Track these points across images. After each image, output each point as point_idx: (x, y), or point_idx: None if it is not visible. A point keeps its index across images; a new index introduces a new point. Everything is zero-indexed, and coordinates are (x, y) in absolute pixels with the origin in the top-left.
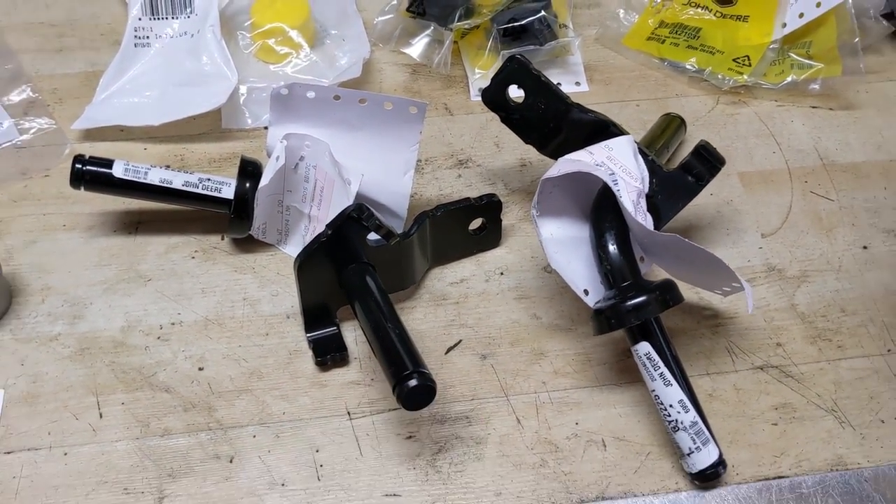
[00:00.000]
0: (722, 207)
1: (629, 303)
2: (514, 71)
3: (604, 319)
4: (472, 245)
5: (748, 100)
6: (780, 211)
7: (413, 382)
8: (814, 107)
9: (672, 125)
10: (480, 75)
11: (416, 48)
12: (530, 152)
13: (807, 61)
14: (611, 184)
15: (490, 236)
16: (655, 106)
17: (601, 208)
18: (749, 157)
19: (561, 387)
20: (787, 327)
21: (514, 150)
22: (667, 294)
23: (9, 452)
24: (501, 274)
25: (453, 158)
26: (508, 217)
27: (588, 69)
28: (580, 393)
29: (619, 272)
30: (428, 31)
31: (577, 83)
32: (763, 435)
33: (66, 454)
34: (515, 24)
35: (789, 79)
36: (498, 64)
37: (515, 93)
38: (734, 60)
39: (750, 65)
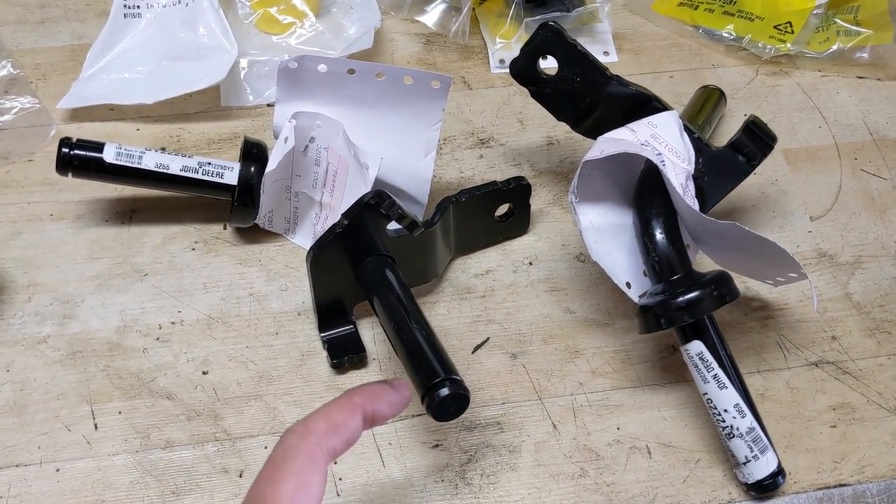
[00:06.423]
0: (766, 188)
1: (680, 299)
2: (546, 40)
3: (651, 317)
4: (498, 232)
5: (790, 70)
6: (830, 191)
7: (445, 392)
8: (861, 77)
9: (712, 99)
10: (501, 45)
11: (431, 16)
12: (557, 129)
13: (854, 28)
14: (659, 165)
15: (517, 222)
16: (690, 77)
17: (646, 192)
18: (793, 132)
19: (599, 388)
20: (842, 319)
21: (539, 127)
22: (722, 288)
23: None
24: (530, 264)
25: (474, 137)
26: (536, 201)
27: (616, 38)
28: (621, 394)
29: (667, 263)
30: None
31: (606, 53)
32: (821, 438)
33: (58, 470)
34: None
35: (835, 47)
36: (521, 33)
37: (547, 64)
38: (775, 27)
39: (793, 32)
